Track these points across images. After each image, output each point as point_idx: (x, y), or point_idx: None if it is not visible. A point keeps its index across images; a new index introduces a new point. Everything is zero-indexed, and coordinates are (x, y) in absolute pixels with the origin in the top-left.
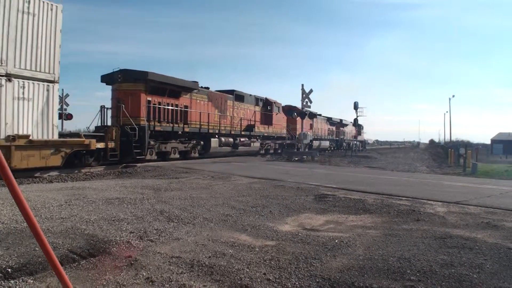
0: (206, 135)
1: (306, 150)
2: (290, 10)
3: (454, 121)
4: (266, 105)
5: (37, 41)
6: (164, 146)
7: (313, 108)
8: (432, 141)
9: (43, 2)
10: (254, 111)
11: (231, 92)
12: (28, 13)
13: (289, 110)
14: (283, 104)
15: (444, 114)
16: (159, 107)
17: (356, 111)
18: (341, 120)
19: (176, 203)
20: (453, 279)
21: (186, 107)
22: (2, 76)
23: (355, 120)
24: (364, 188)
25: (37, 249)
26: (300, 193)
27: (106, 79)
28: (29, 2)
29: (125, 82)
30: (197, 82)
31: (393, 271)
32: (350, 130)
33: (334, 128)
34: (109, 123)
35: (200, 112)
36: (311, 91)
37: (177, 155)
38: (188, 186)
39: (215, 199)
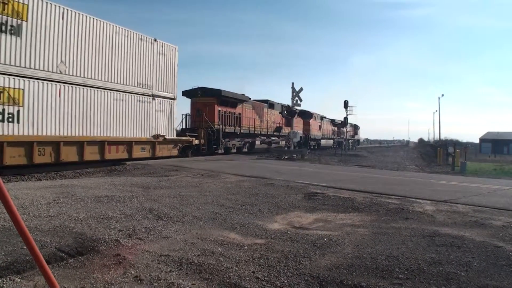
0: (252, 135)
1: (313, 148)
2: (284, 9)
3: (443, 120)
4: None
5: (166, 72)
6: (228, 143)
7: (319, 111)
8: (421, 140)
9: (169, 45)
10: (281, 116)
11: (265, 101)
12: (162, 53)
13: (303, 114)
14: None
15: (434, 113)
16: (225, 114)
17: (346, 110)
18: (341, 122)
19: (166, 201)
20: (441, 277)
21: (239, 114)
22: (150, 96)
23: (345, 118)
24: (353, 186)
25: (24, 247)
26: (290, 191)
27: (187, 93)
28: (162, 46)
29: (203, 96)
30: (244, 94)
31: (382, 269)
32: (348, 130)
33: (336, 128)
34: (189, 127)
35: (249, 118)
36: (301, 89)
37: (234, 150)
38: (178, 184)
39: (204, 197)
